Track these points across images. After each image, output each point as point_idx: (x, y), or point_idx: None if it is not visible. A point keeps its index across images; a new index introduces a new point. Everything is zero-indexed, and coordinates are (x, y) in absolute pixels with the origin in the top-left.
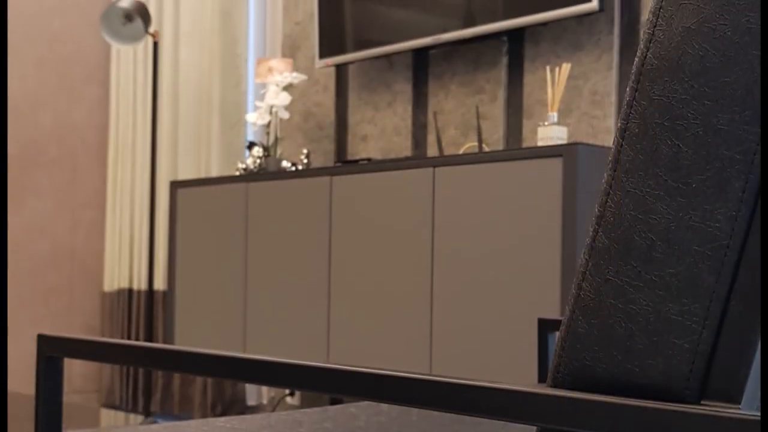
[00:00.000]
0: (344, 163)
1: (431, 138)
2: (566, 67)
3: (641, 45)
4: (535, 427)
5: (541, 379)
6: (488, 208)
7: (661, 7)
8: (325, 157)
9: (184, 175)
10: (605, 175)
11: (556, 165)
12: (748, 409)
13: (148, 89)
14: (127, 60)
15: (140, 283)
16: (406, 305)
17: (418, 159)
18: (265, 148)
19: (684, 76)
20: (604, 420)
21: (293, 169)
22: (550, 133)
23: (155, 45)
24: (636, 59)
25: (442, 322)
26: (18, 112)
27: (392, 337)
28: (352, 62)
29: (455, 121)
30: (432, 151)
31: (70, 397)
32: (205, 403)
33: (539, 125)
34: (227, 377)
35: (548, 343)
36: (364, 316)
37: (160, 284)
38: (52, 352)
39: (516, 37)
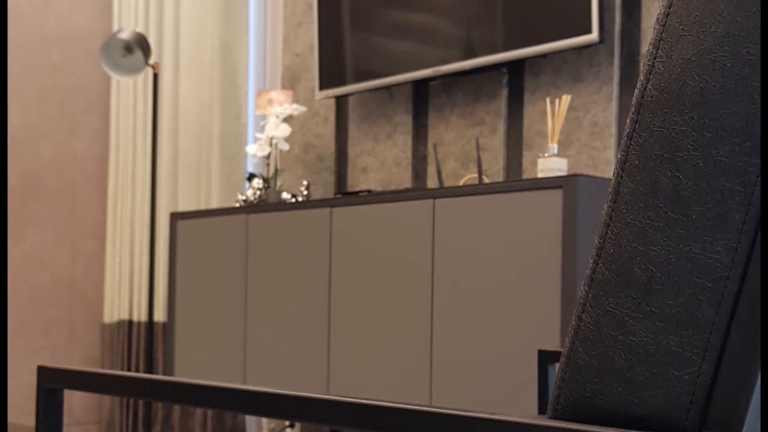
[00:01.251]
0: (344, 195)
1: (431, 169)
2: (566, 99)
3: (641, 76)
4: None
5: (542, 410)
6: (488, 240)
7: (661, 39)
8: (325, 189)
9: (184, 206)
10: (605, 206)
11: (556, 196)
12: None
13: (148, 120)
14: (127, 91)
15: (140, 315)
16: (407, 336)
17: (418, 190)
18: (265, 180)
19: (684, 108)
20: None
21: (293, 200)
22: (550, 164)
23: (155, 76)
24: (636, 91)
25: (442, 353)
26: (18, 142)
27: (392, 368)
28: (352, 94)
29: (455, 152)
30: (432, 182)
31: (70, 428)
32: None
33: (539, 157)
34: (227, 409)
35: (548, 375)
36: (364, 348)
37: (160, 316)
38: (53, 384)
39: (516, 68)
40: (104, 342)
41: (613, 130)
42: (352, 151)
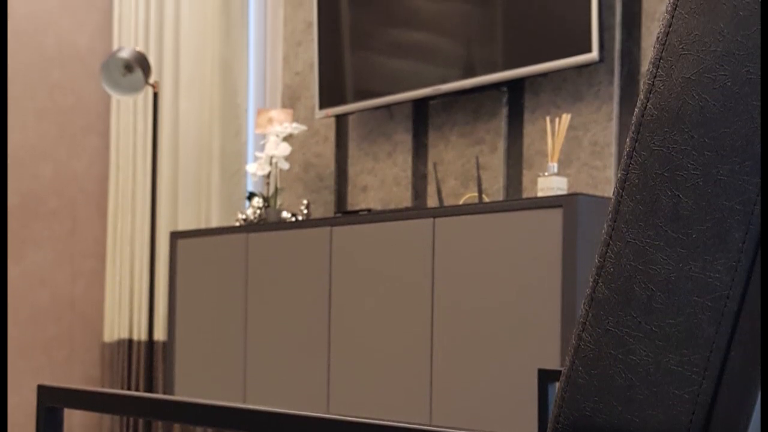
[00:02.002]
0: (344, 214)
1: (431, 188)
2: (566, 118)
3: (641, 95)
4: None
5: (542, 429)
6: (488, 259)
7: (661, 58)
8: (325, 208)
9: (184, 225)
10: (605, 225)
11: (556, 215)
12: None
13: (148, 139)
14: (127, 110)
15: (140, 334)
16: (407, 355)
17: (418, 209)
18: (265, 199)
19: (684, 127)
20: None
21: (293, 219)
22: (550, 183)
23: (155, 95)
24: (636, 110)
25: (443, 371)
26: (18, 162)
27: (392, 387)
28: (352, 113)
29: (455, 171)
30: (432, 201)
31: None
32: None
33: (539, 176)
34: (227, 428)
35: (548, 394)
36: (364, 366)
37: (160, 335)
38: (53, 403)
39: (516, 87)
40: (104, 360)
41: (613, 149)
42: (352, 170)
